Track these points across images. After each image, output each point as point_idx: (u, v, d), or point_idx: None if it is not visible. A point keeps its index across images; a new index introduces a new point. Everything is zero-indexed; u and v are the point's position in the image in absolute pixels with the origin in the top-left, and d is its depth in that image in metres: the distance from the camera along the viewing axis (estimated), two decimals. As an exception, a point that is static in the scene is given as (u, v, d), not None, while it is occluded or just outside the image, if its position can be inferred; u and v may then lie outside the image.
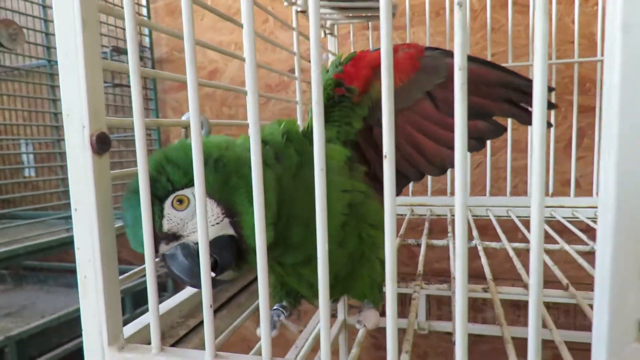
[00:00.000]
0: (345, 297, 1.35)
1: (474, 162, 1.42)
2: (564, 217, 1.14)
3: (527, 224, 1.07)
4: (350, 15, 1.13)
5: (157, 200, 0.42)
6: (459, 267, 0.33)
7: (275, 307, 0.57)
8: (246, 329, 1.69)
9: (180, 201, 0.42)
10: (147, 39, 1.79)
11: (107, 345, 0.42)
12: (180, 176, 0.42)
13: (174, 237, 0.43)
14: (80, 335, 1.45)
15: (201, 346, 0.54)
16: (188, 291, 0.62)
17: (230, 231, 0.43)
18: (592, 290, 0.33)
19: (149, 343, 0.45)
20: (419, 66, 0.60)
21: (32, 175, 2.07)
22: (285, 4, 1.00)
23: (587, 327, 0.53)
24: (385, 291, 0.36)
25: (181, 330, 0.53)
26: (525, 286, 0.68)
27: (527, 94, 0.60)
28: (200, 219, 0.38)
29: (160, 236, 0.42)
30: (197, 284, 0.41)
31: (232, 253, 0.43)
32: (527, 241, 0.95)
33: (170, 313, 0.57)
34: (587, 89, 1.33)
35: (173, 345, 0.53)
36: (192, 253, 0.42)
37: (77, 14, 0.39)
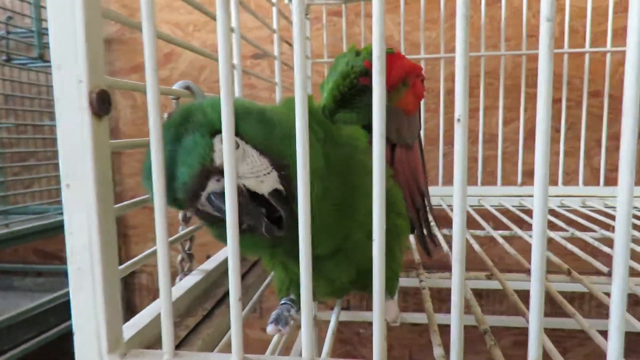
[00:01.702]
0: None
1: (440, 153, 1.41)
2: (512, 205, 1.16)
3: (502, 212, 1.07)
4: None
5: (206, 134, 0.37)
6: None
7: (283, 302, 0.51)
8: (249, 326, 1.60)
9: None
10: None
11: (107, 353, 0.35)
12: None
13: (208, 174, 0.37)
14: (19, 344, 1.29)
15: (205, 348, 0.47)
16: (182, 286, 0.55)
17: (279, 185, 0.39)
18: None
19: (151, 347, 0.38)
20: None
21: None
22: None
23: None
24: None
25: (181, 332, 0.46)
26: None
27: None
28: (227, 168, 0.32)
29: (211, 170, 0.36)
30: (257, 225, 0.37)
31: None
32: (507, 228, 0.94)
33: None
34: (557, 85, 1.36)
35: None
36: (249, 194, 0.38)
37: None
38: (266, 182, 0.38)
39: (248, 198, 0.37)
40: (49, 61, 1.52)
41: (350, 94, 0.54)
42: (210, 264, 0.61)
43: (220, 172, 0.36)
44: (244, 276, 0.64)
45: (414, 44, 1.38)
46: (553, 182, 1.27)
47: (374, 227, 0.32)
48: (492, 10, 1.32)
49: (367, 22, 1.38)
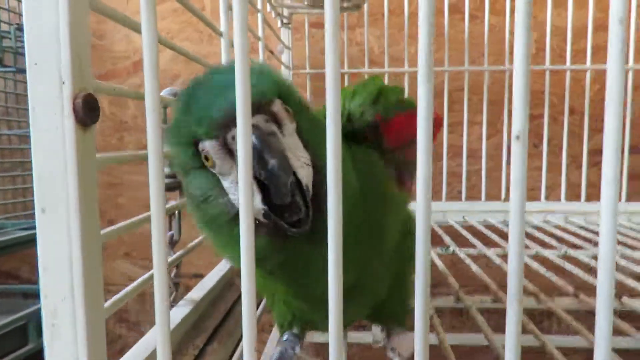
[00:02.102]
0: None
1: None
2: (498, 222, 1.15)
3: (468, 228, 1.06)
4: (313, 4, 1.04)
5: (269, 83, 0.35)
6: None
7: (285, 338, 0.46)
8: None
9: (287, 111, 0.35)
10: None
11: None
12: (293, 97, 0.37)
13: (276, 122, 0.34)
14: None
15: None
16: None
17: (310, 182, 0.34)
18: None
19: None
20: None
21: None
22: None
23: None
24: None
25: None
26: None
27: None
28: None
29: (264, 108, 0.33)
30: (283, 167, 0.32)
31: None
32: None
33: (154, 352, 0.43)
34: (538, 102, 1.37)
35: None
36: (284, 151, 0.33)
37: None
38: (305, 171, 0.34)
39: (285, 156, 0.32)
40: (8, 66, 1.42)
41: (351, 134, 0.48)
42: (198, 292, 0.54)
43: (272, 117, 0.33)
44: (234, 304, 0.58)
45: (392, 57, 1.36)
46: (535, 197, 1.26)
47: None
48: (473, 26, 1.32)
49: (349, 35, 1.35)
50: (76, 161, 0.26)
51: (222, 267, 0.65)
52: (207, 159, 0.34)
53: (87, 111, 0.26)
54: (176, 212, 0.52)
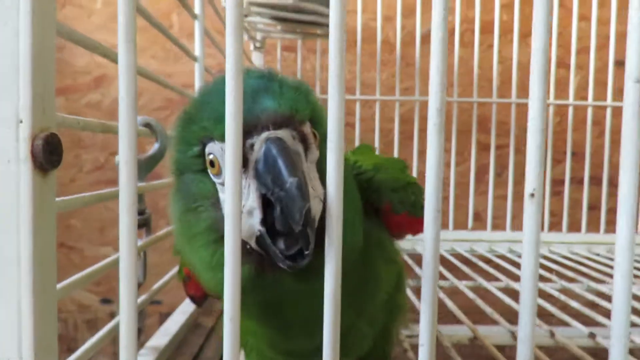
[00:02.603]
0: None
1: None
2: (465, 250, 1.16)
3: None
4: (286, 29, 1.03)
5: (308, 102, 0.32)
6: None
7: None
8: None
9: (315, 136, 0.33)
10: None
11: None
12: (322, 122, 0.33)
13: (304, 142, 0.31)
14: None
15: None
16: None
17: (318, 217, 0.30)
18: None
19: None
20: None
21: None
22: (224, 3, 0.86)
23: None
24: None
25: None
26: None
27: None
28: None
29: (294, 125, 0.30)
30: (299, 184, 0.27)
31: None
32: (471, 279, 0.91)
33: None
34: (488, 129, 1.39)
35: None
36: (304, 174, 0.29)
37: None
38: (317, 205, 0.30)
39: (303, 174, 0.29)
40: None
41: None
42: (161, 339, 0.50)
43: (300, 135, 0.31)
44: (200, 348, 0.53)
45: (364, 83, 1.36)
46: (501, 227, 1.28)
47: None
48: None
49: (321, 60, 1.35)
50: (32, 213, 0.23)
51: (186, 307, 0.60)
52: (212, 164, 0.30)
53: (47, 155, 0.23)
54: (141, 252, 0.47)
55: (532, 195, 0.24)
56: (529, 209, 0.24)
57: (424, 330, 0.25)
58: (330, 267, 0.25)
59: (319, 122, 0.33)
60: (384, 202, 0.42)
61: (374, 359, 0.46)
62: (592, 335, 0.62)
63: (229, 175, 0.24)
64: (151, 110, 1.49)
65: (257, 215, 0.29)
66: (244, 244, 0.28)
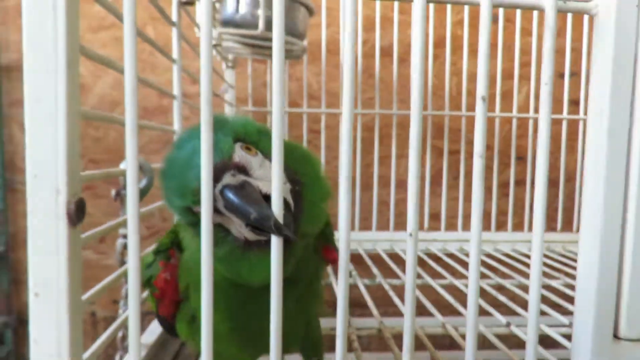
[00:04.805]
0: None
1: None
2: (438, 249, 1.29)
3: (394, 257, 1.18)
4: (256, 52, 1.12)
5: (229, 134, 0.39)
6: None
7: None
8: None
9: (249, 149, 0.40)
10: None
11: None
12: (251, 133, 0.41)
13: (242, 171, 0.38)
14: None
15: None
16: None
17: (289, 197, 0.40)
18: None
19: None
20: None
21: None
22: (198, 35, 0.95)
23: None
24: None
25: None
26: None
27: None
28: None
29: (228, 165, 0.38)
30: (265, 214, 0.35)
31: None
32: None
33: None
34: (442, 136, 1.52)
35: None
36: (260, 191, 0.38)
37: (62, 52, 0.31)
38: (285, 189, 0.39)
39: (259, 194, 0.37)
40: None
41: None
42: (148, 336, 0.60)
43: (237, 168, 0.38)
44: (181, 346, 0.63)
45: (329, 92, 1.47)
46: (453, 226, 1.42)
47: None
48: (401, 68, 1.46)
49: (290, 71, 1.44)
50: (67, 256, 0.32)
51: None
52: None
53: (78, 214, 0.33)
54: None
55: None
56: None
57: (339, 319, 0.35)
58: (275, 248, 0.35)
59: (245, 131, 0.41)
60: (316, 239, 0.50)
61: (312, 343, 0.56)
62: (508, 324, 0.75)
63: (204, 218, 0.34)
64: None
65: (242, 223, 0.38)
66: (258, 243, 0.39)
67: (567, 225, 1.41)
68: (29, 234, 0.32)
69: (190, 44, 0.81)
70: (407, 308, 0.35)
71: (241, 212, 0.36)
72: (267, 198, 0.38)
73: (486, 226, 1.42)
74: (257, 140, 0.41)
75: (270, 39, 0.94)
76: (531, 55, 1.39)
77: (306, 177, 0.42)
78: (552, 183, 1.48)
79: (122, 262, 0.56)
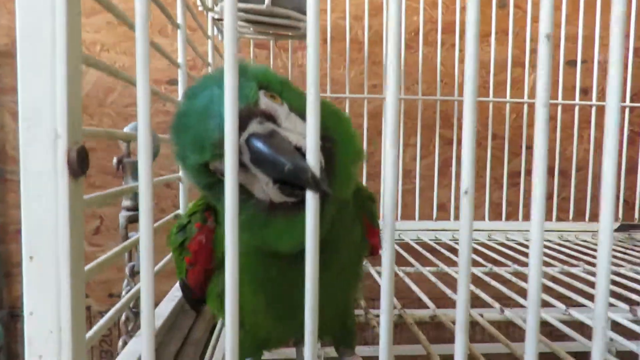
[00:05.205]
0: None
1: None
2: (429, 239, 1.25)
3: (403, 246, 1.14)
4: (259, 31, 1.07)
5: (252, 80, 0.34)
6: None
7: None
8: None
9: (274, 97, 0.35)
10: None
11: None
12: (274, 81, 0.36)
13: (269, 119, 0.33)
14: None
15: None
16: (132, 352, 0.48)
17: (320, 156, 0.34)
18: None
19: None
20: None
21: None
22: (201, 8, 0.90)
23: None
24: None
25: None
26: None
27: None
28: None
29: (254, 112, 0.33)
30: (298, 164, 0.30)
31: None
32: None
33: None
34: (451, 124, 1.47)
35: None
36: (291, 142, 0.33)
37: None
38: (303, 144, 0.33)
39: (290, 144, 0.32)
40: None
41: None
42: (155, 321, 0.55)
43: (264, 115, 0.33)
44: (189, 331, 0.58)
45: (333, 80, 1.42)
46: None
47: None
48: (408, 55, 1.42)
49: (292, 58, 1.40)
50: (69, 212, 0.28)
51: (172, 295, 0.66)
52: (222, 174, 0.33)
53: (79, 164, 0.28)
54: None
55: (466, 192, 0.31)
56: (465, 203, 0.31)
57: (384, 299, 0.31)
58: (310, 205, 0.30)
59: (269, 79, 0.36)
60: (363, 213, 0.47)
61: (344, 328, 0.52)
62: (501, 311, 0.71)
63: (228, 175, 0.29)
64: (121, 106, 1.51)
65: (271, 181, 0.33)
66: (285, 206, 0.34)
67: (579, 216, 1.38)
68: (22, 186, 0.27)
69: (193, 47, 0.75)
70: (462, 263, 0.31)
71: (273, 164, 0.31)
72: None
73: (497, 216, 1.38)
74: (281, 90, 0.36)
75: (275, 15, 0.89)
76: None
77: (337, 135, 0.36)
78: (563, 173, 1.44)
79: (126, 237, 0.51)
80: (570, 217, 1.36)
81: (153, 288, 0.28)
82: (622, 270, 0.91)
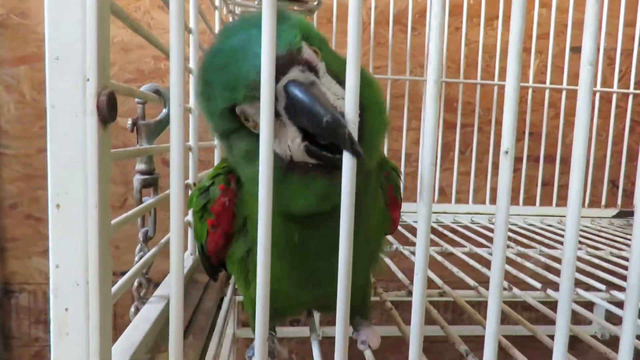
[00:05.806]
0: (236, 309, 1.24)
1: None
2: (432, 222, 1.24)
3: (407, 227, 1.14)
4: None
5: (296, 27, 0.33)
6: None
7: None
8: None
9: (316, 52, 0.34)
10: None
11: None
12: (314, 36, 0.34)
13: (312, 69, 0.32)
14: None
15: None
16: (145, 317, 0.47)
17: None
18: None
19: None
20: None
21: None
22: (209, -23, 0.88)
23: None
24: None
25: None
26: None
27: None
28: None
29: (297, 59, 0.31)
30: (337, 118, 0.28)
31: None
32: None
33: (138, 349, 0.42)
34: (454, 108, 1.47)
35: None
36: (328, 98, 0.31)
37: None
38: (342, 104, 0.30)
39: (328, 99, 0.31)
40: None
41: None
42: (165, 289, 0.54)
43: (306, 64, 0.32)
44: (200, 300, 0.58)
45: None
46: (464, 200, 1.37)
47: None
48: (413, 38, 1.40)
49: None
50: (97, 159, 0.26)
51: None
52: (247, 119, 0.33)
53: (110, 109, 0.27)
54: (152, 209, 0.51)
55: (507, 152, 0.30)
56: (504, 163, 0.30)
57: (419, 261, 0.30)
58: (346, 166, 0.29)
59: (311, 33, 0.34)
60: (388, 185, 0.47)
61: (362, 300, 0.52)
62: (544, 288, 0.71)
63: (264, 123, 0.28)
64: (122, 81, 1.48)
65: (297, 138, 0.32)
66: (303, 166, 0.33)
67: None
68: (48, 131, 0.26)
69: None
70: (497, 235, 0.30)
71: (311, 114, 0.29)
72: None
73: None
74: (319, 47, 0.34)
75: (285, -12, 0.87)
76: (549, 27, 1.34)
77: (367, 101, 0.34)
78: (565, 161, 1.45)
79: (140, 201, 0.50)
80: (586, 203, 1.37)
81: (182, 234, 0.27)
82: (623, 254, 0.92)
